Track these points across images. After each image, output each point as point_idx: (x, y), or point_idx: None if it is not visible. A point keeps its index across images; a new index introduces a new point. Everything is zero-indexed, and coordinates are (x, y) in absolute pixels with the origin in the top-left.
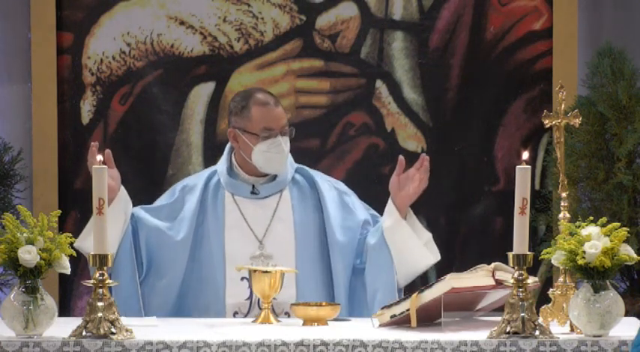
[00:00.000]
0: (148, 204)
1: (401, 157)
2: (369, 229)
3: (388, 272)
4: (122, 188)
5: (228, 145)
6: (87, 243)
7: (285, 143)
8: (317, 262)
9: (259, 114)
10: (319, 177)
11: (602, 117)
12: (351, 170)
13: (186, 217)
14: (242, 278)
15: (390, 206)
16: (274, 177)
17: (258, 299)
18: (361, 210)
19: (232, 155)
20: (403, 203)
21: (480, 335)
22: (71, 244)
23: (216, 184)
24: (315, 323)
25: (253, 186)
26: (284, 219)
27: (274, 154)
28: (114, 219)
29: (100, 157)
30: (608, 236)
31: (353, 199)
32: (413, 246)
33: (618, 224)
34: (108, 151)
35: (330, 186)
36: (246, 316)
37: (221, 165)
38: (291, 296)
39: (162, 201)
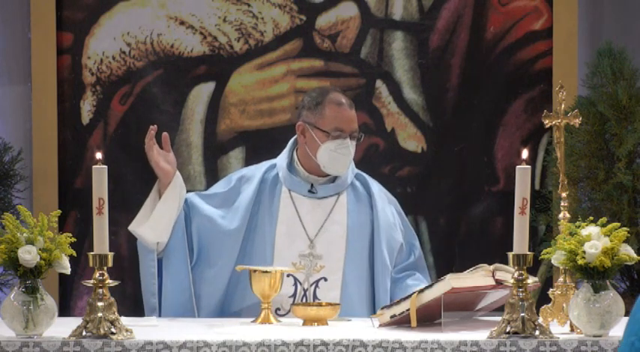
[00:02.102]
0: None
1: None
2: (402, 253)
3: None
4: (177, 173)
5: (291, 140)
6: (144, 229)
7: (352, 146)
8: (365, 267)
9: (333, 113)
10: (376, 186)
11: (602, 117)
12: None
13: (241, 207)
14: (287, 275)
15: None
16: (334, 179)
17: (303, 297)
18: (407, 231)
19: (294, 151)
20: None
21: (480, 335)
22: (71, 244)
23: (274, 178)
24: (315, 323)
25: (312, 185)
26: (338, 222)
27: (340, 155)
28: (169, 203)
29: (99, 155)
30: (608, 236)
31: (401, 218)
32: None
33: (618, 224)
34: (165, 134)
35: (383, 199)
36: (287, 313)
37: (281, 159)
38: (335, 298)
39: (217, 188)
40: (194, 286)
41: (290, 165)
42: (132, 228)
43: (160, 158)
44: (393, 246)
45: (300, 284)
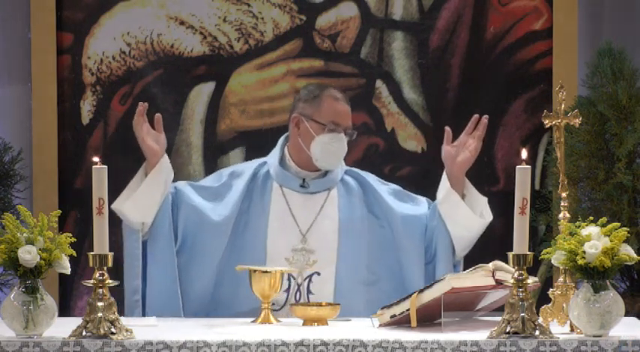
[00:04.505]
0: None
1: (447, 128)
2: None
3: (447, 246)
4: (165, 156)
5: (282, 138)
6: (127, 206)
7: (345, 142)
8: (359, 262)
9: (330, 106)
10: (371, 177)
11: (602, 117)
12: None
13: (231, 201)
14: None
15: (443, 178)
16: (325, 173)
17: (297, 291)
18: (420, 200)
19: (285, 148)
20: (460, 171)
21: (480, 335)
22: (71, 244)
23: (265, 174)
24: (315, 323)
25: (304, 180)
26: (330, 217)
27: (334, 148)
28: (154, 185)
29: (96, 159)
30: (608, 236)
31: (407, 192)
32: (464, 215)
33: (618, 224)
34: (158, 115)
35: (382, 184)
36: (281, 308)
37: (273, 156)
38: (329, 294)
39: (208, 182)
40: (179, 277)
41: (281, 161)
42: (115, 206)
43: (148, 136)
44: (421, 212)
45: (294, 278)
